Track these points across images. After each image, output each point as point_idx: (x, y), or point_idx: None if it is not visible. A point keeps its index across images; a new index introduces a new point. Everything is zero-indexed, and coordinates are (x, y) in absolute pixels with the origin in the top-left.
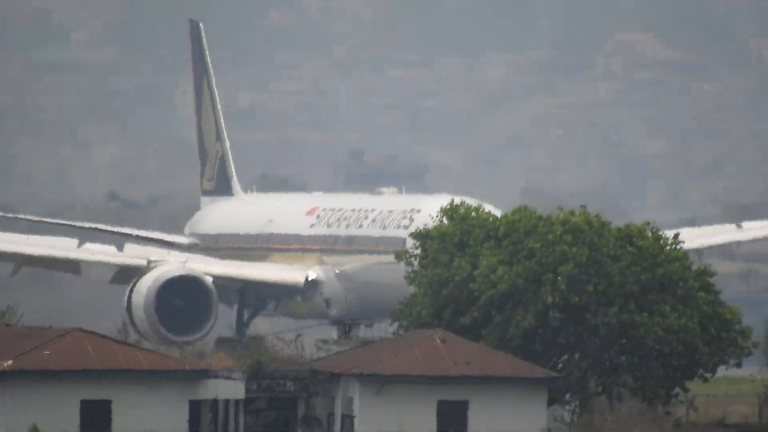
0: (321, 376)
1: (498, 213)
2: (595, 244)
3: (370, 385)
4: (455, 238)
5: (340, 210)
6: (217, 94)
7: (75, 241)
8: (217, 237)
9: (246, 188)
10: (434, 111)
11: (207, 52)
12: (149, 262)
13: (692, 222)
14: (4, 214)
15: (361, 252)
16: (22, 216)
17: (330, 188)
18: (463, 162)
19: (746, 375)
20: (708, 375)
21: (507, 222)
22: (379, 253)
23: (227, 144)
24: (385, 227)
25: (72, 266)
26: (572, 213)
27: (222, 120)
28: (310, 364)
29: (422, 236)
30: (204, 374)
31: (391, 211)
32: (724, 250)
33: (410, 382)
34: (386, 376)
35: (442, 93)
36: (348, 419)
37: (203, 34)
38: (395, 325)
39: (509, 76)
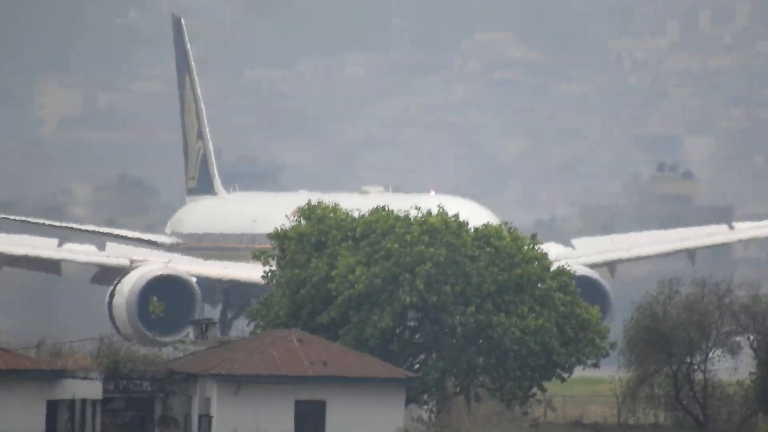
0: (178, 376)
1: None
2: (452, 244)
3: (227, 385)
4: (313, 239)
5: None
6: (199, 92)
7: (54, 241)
8: (201, 236)
9: (228, 187)
10: (292, 111)
11: (189, 49)
12: (132, 261)
13: (551, 223)
14: None
15: None
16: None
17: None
18: (320, 162)
19: (604, 376)
20: (565, 375)
21: (365, 223)
22: None
23: (209, 142)
24: None
25: (52, 266)
26: (430, 213)
27: (204, 118)
28: (167, 364)
29: (280, 237)
30: (61, 374)
31: None
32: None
33: (267, 382)
34: (243, 376)
35: (300, 93)
36: (206, 419)
37: (185, 30)
38: (252, 324)
39: (368, 76)
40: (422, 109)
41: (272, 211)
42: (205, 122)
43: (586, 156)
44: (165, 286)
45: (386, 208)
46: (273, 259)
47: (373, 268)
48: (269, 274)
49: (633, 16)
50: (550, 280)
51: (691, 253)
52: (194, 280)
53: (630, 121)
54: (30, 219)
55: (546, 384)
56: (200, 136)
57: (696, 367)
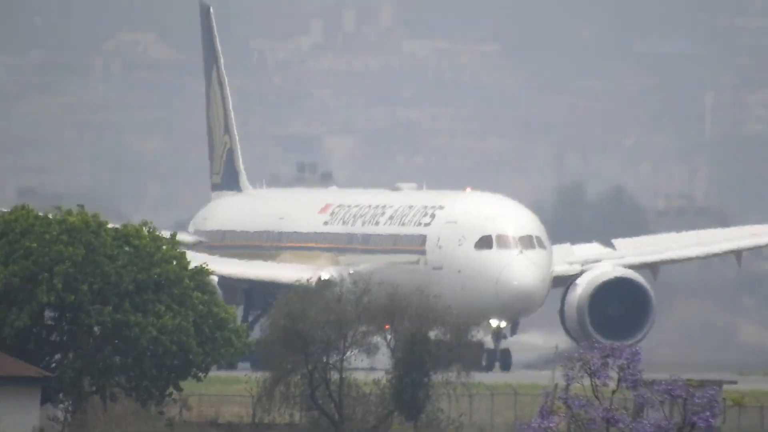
0: None
1: None
2: (91, 243)
3: None
4: None
5: (356, 206)
6: (227, 84)
7: None
8: (225, 234)
9: (254, 183)
10: None
11: (217, 39)
12: None
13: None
14: None
15: (378, 251)
16: None
17: None
18: None
19: (241, 376)
20: (202, 375)
21: (4, 221)
22: (397, 252)
23: (236, 137)
24: (403, 224)
25: None
26: (70, 213)
27: (231, 111)
28: None
29: None
30: None
31: (410, 207)
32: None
33: None
34: None
35: None
36: None
37: (213, 20)
38: None
39: (8, 75)
40: (62, 109)
41: (300, 208)
42: (233, 116)
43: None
44: None
45: (26, 207)
46: None
47: (11, 267)
48: None
49: (278, 16)
50: (189, 280)
51: (737, 254)
52: (216, 279)
53: (271, 121)
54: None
55: (183, 383)
56: (227, 130)
57: (332, 366)
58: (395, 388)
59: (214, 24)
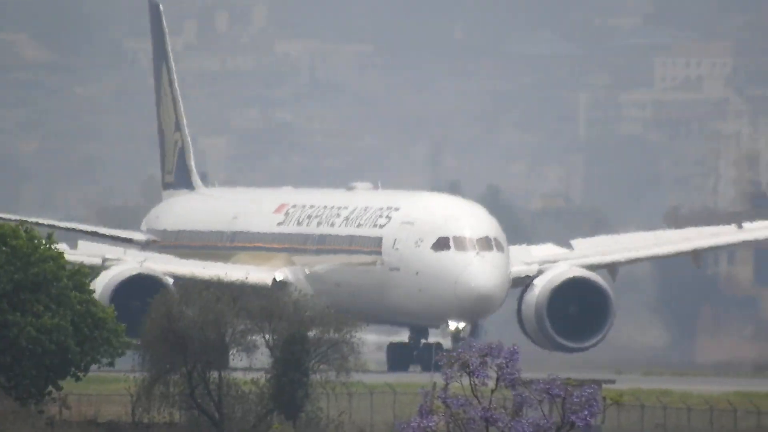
0: None
1: None
2: None
3: None
4: None
5: (312, 207)
6: (176, 82)
7: None
8: (178, 234)
9: (208, 182)
10: None
11: (167, 35)
12: (104, 260)
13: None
14: None
15: (334, 252)
16: None
17: None
18: None
19: (120, 375)
20: (81, 374)
21: None
22: (352, 253)
23: (187, 135)
24: (360, 225)
25: None
26: None
27: (182, 109)
28: None
29: None
30: None
31: (366, 208)
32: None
33: None
34: None
35: None
36: None
37: (163, 16)
38: None
39: None
40: None
41: (254, 208)
42: (183, 113)
43: (104, 157)
44: (139, 287)
45: None
46: None
47: None
48: None
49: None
50: (67, 279)
51: (697, 255)
52: (171, 280)
53: (145, 122)
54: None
55: (62, 382)
56: (178, 127)
57: (211, 365)
58: (274, 388)
59: (164, 21)
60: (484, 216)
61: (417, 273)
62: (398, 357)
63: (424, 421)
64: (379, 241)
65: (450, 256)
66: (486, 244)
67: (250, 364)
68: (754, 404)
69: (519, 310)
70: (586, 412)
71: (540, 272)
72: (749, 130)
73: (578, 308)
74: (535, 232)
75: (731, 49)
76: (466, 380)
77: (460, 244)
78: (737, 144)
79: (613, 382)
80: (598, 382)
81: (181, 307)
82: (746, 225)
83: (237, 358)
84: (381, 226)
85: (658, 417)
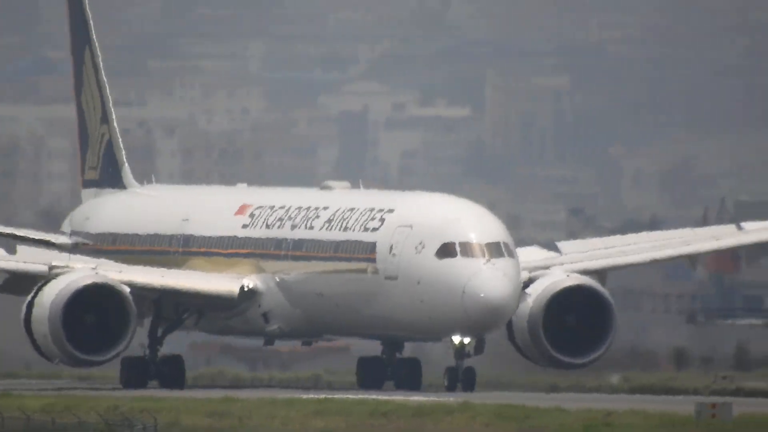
0: None
1: None
2: None
3: None
4: None
5: (282, 208)
6: (102, 69)
7: None
8: (116, 237)
9: (142, 179)
10: None
11: (91, 20)
12: (51, 267)
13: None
14: None
15: (315, 258)
16: None
17: None
18: None
19: None
20: None
21: None
22: (339, 260)
23: (116, 126)
24: (346, 229)
25: None
26: None
27: (110, 99)
28: None
29: None
30: None
31: (352, 210)
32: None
33: None
34: None
35: None
36: None
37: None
38: None
39: None
40: None
41: (210, 209)
42: (111, 104)
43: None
44: (94, 298)
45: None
46: None
47: None
48: None
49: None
50: None
51: (693, 258)
52: (128, 290)
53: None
54: None
55: None
56: (105, 119)
57: None
58: None
59: (86, 2)
60: (491, 218)
61: (418, 282)
62: (370, 373)
63: None
64: (371, 246)
65: (456, 263)
66: (496, 249)
67: None
68: None
69: (509, 322)
70: None
71: (532, 280)
72: None
73: (577, 320)
74: None
75: None
76: None
77: (468, 250)
78: None
79: None
80: None
81: None
82: (746, 225)
83: None
84: (373, 230)
85: None
